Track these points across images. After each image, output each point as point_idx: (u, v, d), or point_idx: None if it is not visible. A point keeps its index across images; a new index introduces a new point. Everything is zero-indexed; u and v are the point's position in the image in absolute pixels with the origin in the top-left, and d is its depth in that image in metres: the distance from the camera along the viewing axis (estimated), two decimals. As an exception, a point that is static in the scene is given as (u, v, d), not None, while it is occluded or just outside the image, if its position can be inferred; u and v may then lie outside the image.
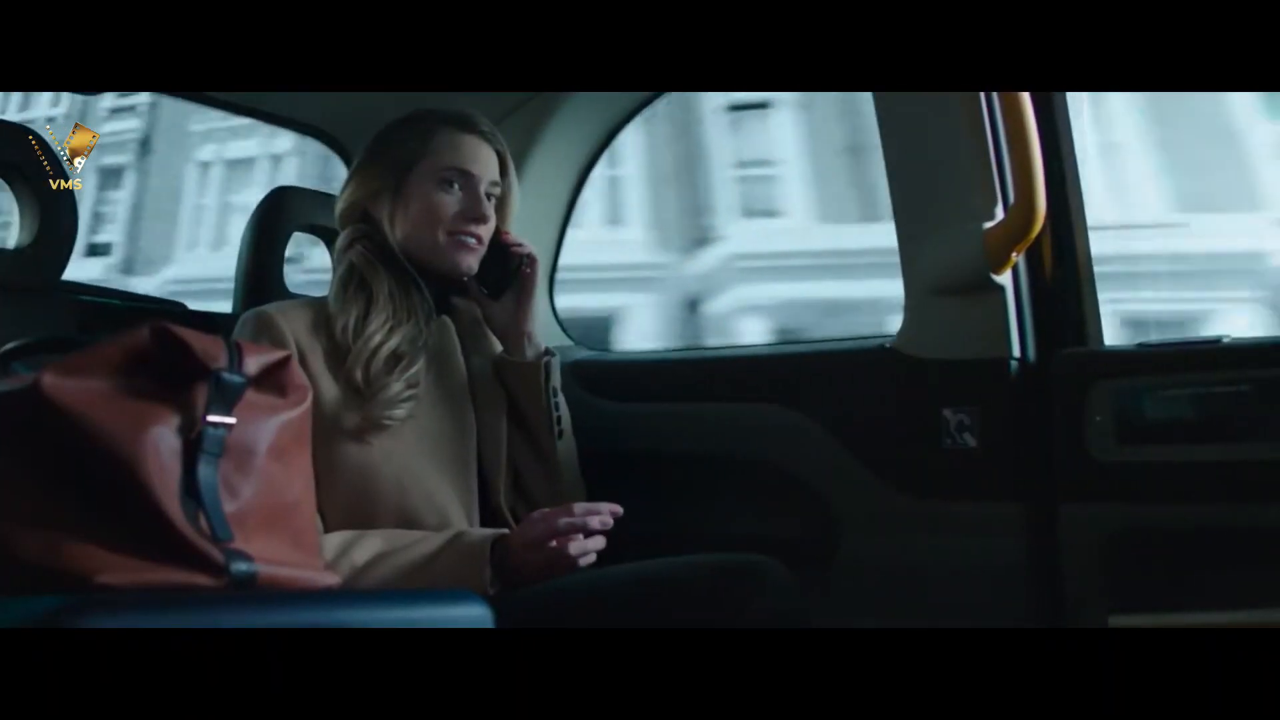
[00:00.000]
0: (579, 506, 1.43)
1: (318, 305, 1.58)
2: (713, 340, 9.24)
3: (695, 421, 1.86)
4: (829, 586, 1.66)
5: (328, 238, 1.91)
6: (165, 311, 1.87)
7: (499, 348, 1.66)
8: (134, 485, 0.99)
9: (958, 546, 1.61)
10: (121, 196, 10.94)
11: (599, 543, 1.44)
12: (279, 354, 1.13)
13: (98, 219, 10.64)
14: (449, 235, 1.58)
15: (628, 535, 1.49)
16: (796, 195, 8.43)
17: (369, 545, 1.44)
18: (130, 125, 10.73)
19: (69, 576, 0.96)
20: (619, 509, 1.44)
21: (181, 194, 10.80)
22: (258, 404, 1.09)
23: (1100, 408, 1.56)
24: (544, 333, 1.71)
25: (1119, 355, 1.61)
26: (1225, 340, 1.56)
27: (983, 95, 1.63)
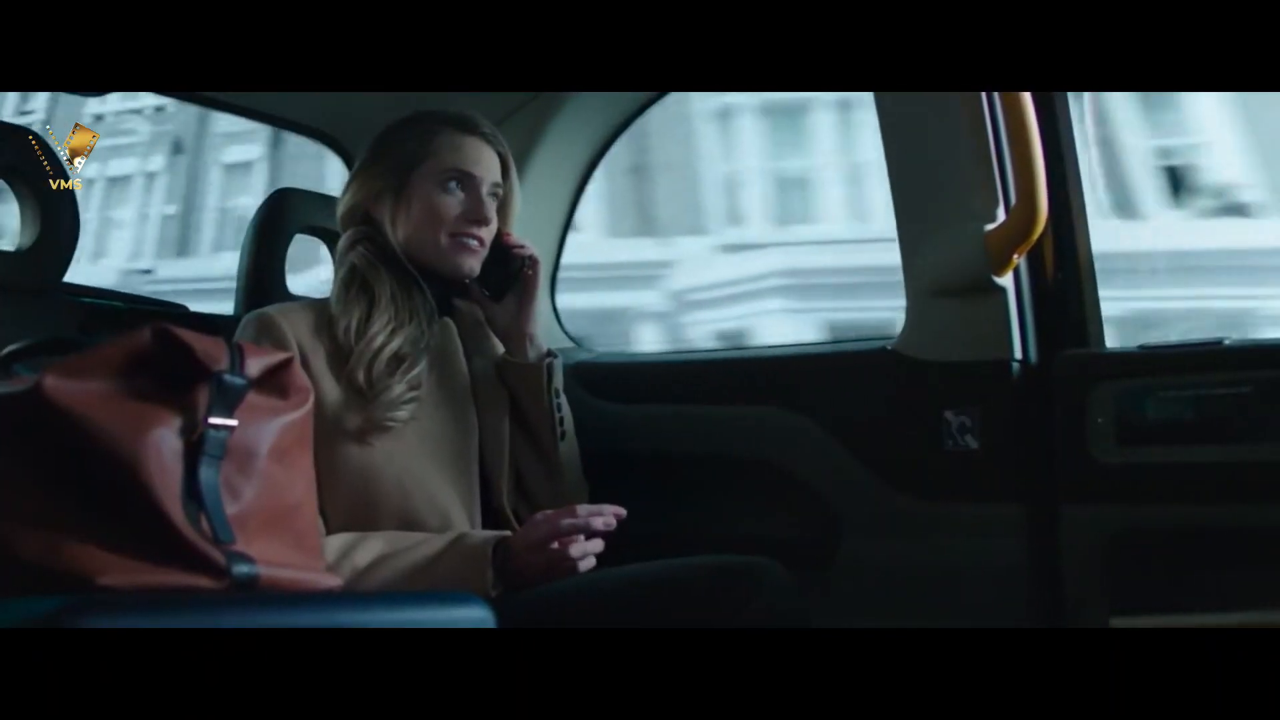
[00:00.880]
0: (582, 508, 1.43)
1: (319, 307, 1.58)
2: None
3: (696, 423, 1.86)
4: (829, 587, 1.66)
5: (329, 239, 1.91)
6: (167, 313, 1.87)
7: (501, 349, 1.66)
8: (135, 487, 0.99)
9: (959, 547, 1.61)
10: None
11: (599, 545, 1.44)
12: (281, 356, 1.13)
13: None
14: (451, 237, 1.58)
15: (628, 536, 1.49)
16: (589, 212, 8.95)
17: (371, 547, 1.44)
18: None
19: (70, 578, 0.96)
20: (622, 511, 1.44)
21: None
22: (259, 406, 1.09)
23: (1101, 409, 1.56)
24: (545, 334, 1.71)
25: (1120, 357, 1.61)
26: (1226, 342, 1.56)
27: (984, 95, 1.63)
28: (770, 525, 1.79)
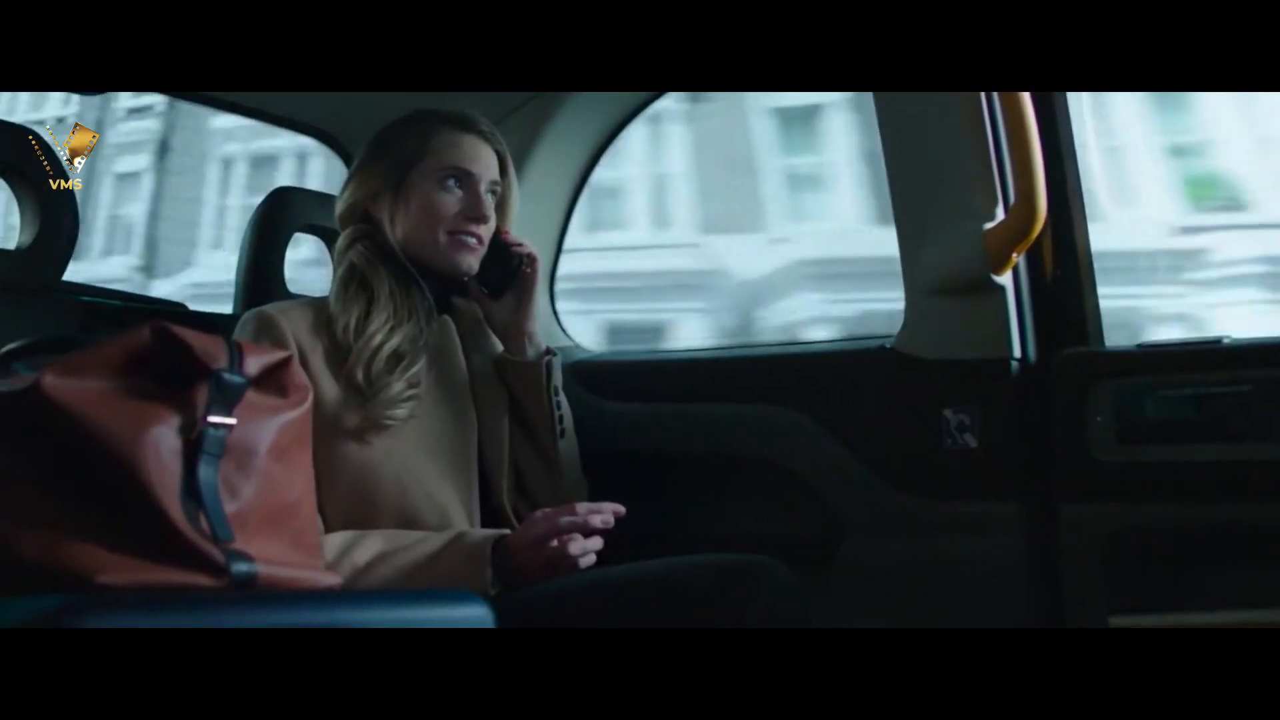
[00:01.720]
0: (581, 506, 1.43)
1: (318, 305, 1.58)
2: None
3: (696, 421, 1.86)
4: (829, 587, 1.66)
5: (328, 238, 1.91)
6: (165, 312, 1.87)
7: (500, 347, 1.66)
8: (134, 485, 0.99)
9: (958, 546, 1.61)
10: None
11: (599, 543, 1.44)
12: (280, 354, 1.13)
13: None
14: (449, 235, 1.58)
15: (628, 535, 1.49)
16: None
17: (370, 546, 1.44)
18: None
19: (69, 576, 0.96)
20: (621, 509, 1.44)
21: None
22: (258, 404, 1.09)
23: (1101, 408, 1.56)
24: (545, 333, 1.71)
25: (1120, 355, 1.61)
26: (1226, 340, 1.56)
27: (983, 95, 1.63)
28: (769, 524, 1.79)
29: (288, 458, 1.11)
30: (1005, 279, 1.63)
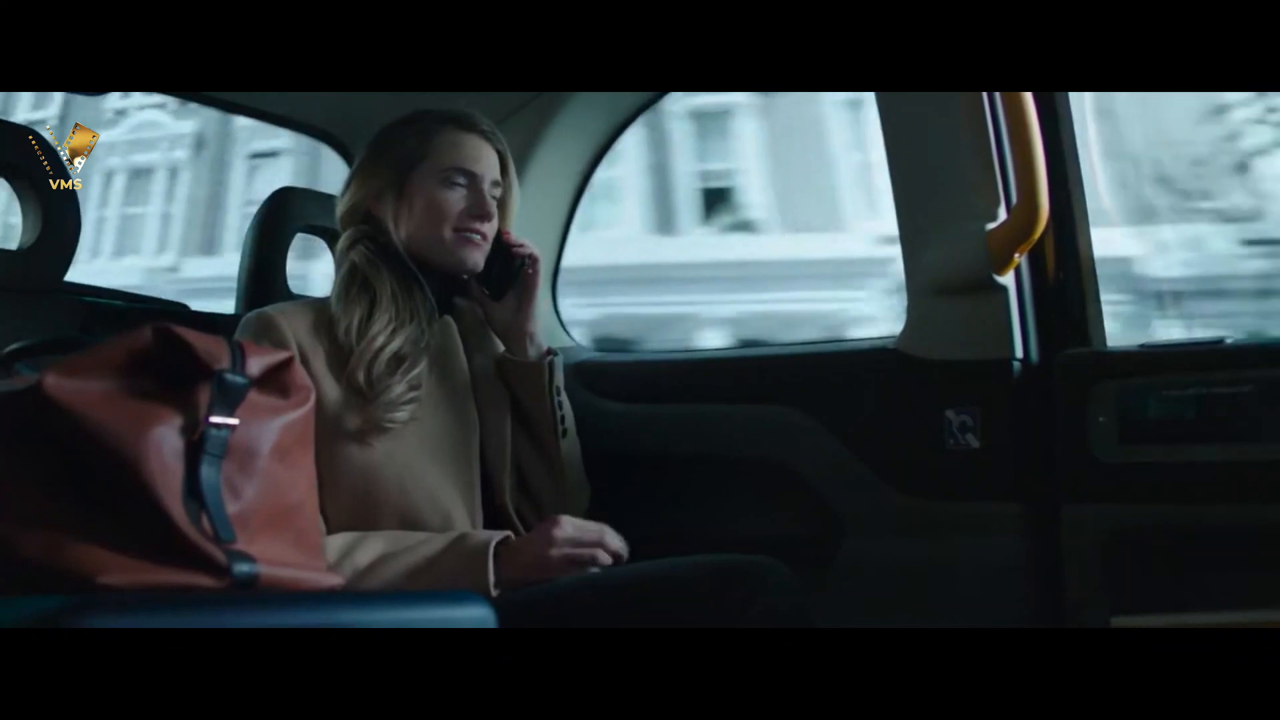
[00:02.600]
0: (592, 534, 1.45)
1: (319, 306, 1.58)
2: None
3: (698, 422, 1.86)
4: (831, 587, 1.66)
5: (330, 239, 1.91)
6: (167, 312, 1.86)
7: (501, 347, 1.66)
8: (136, 486, 0.99)
9: (960, 547, 1.61)
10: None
11: (607, 559, 1.47)
12: (282, 355, 1.13)
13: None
14: (455, 232, 1.58)
15: (630, 535, 1.49)
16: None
17: (371, 547, 1.44)
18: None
19: (71, 577, 0.96)
20: (624, 553, 1.48)
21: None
22: (260, 405, 1.09)
23: (1103, 408, 1.56)
24: (546, 332, 1.71)
25: (1121, 356, 1.61)
26: (1228, 341, 1.56)
27: (985, 95, 1.63)
28: (771, 524, 1.79)
29: (290, 458, 1.11)
30: (1007, 279, 1.63)
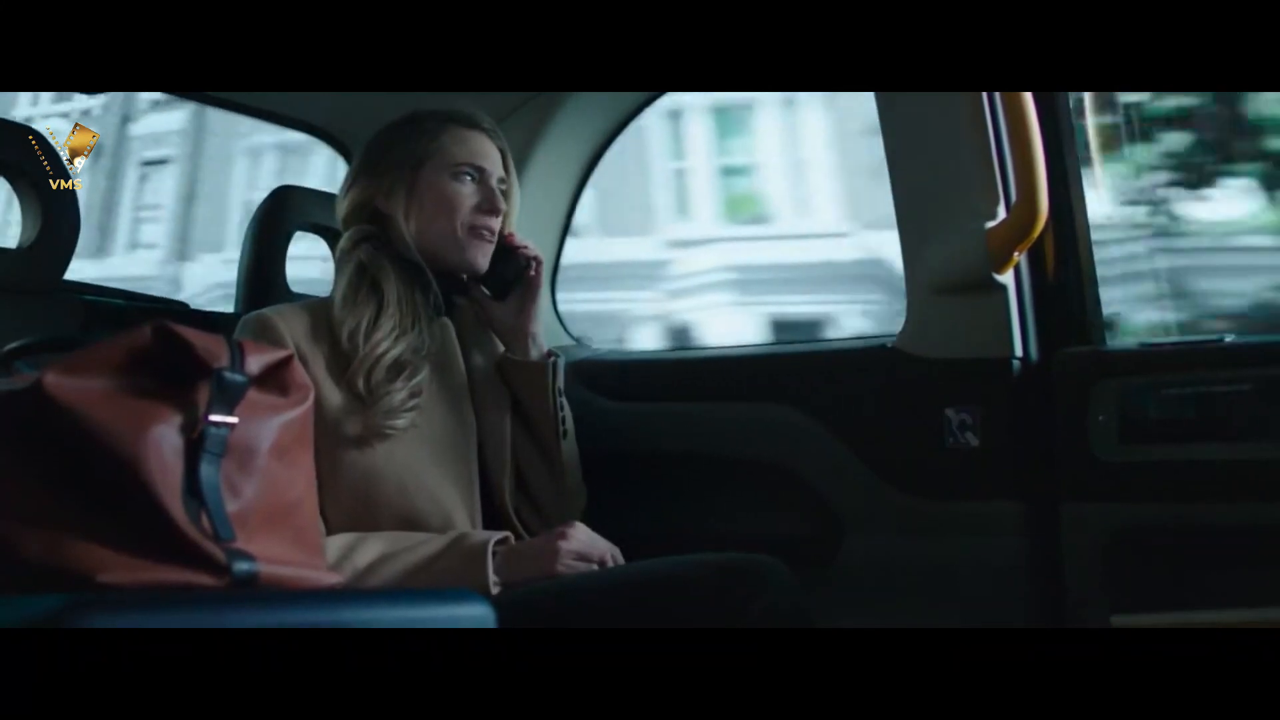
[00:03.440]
0: (599, 552, 1.47)
1: (317, 308, 1.57)
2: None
3: (697, 421, 1.86)
4: (831, 586, 1.66)
5: (330, 237, 1.91)
6: (167, 311, 1.87)
7: (499, 347, 1.66)
8: (136, 484, 0.99)
9: (959, 546, 1.61)
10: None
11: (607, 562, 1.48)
12: (281, 353, 1.13)
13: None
14: (466, 228, 1.58)
15: (630, 534, 1.49)
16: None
17: (371, 548, 1.44)
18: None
19: (71, 576, 0.96)
20: (608, 558, 1.48)
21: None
22: (260, 403, 1.09)
23: (1102, 407, 1.56)
24: (546, 332, 1.71)
25: (1121, 354, 1.61)
26: (1228, 340, 1.56)
27: (985, 95, 1.63)
28: (771, 524, 1.79)
29: (289, 457, 1.11)
30: (1007, 278, 1.63)
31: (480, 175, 1.60)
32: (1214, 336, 1.57)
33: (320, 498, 1.28)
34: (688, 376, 1.93)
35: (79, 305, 1.70)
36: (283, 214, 1.93)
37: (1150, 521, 1.52)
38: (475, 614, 1.08)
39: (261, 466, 1.07)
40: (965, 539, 1.61)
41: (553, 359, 1.62)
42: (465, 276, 1.63)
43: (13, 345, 1.19)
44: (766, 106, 8.74)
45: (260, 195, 1.98)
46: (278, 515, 1.08)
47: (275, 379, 1.11)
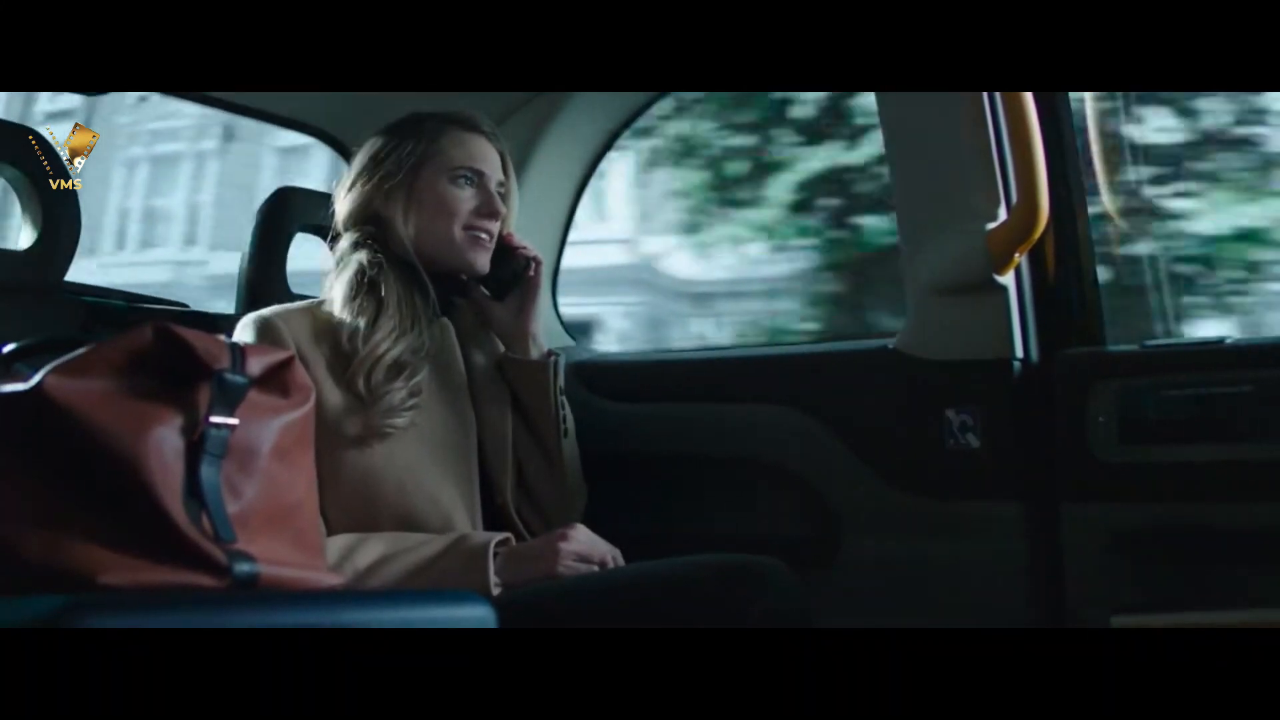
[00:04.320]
0: (600, 554, 1.47)
1: (316, 309, 1.57)
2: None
3: (698, 422, 1.86)
4: (831, 587, 1.66)
5: (332, 239, 1.90)
6: (167, 312, 1.86)
7: (500, 348, 1.66)
8: (137, 486, 0.99)
9: (960, 547, 1.61)
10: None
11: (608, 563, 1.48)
12: (282, 354, 1.13)
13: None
14: (465, 231, 1.58)
15: (630, 535, 1.49)
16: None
17: (372, 549, 1.44)
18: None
19: (71, 577, 0.96)
20: (609, 561, 1.49)
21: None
22: (260, 405, 1.09)
23: (1102, 408, 1.56)
24: (546, 333, 1.71)
25: (1121, 356, 1.61)
26: (1228, 341, 1.56)
27: (985, 95, 1.63)
28: (771, 524, 1.79)
29: (290, 458, 1.11)
30: (1007, 279, 1.63)
31: (479, 179, 1.60)
32: (1214, 338, 1.57)
33: (320, 498, 1.28)
34: (688, 377, 1.93)
35: (79, 306, 1.70)
36: (284, 215, 1.93)
37: (1150, 522, 1.52)
38: (476, 615, 1.08)
39: (262, 468, 1.07)
40: (965, 540, 1.61)
41: (553, 358, 1.62)
42: (464, 277, 1.63)
43: (13, 346, 1.18)
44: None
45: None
46: (278, 516, 1.08)
47: (276, 380, 1.11)
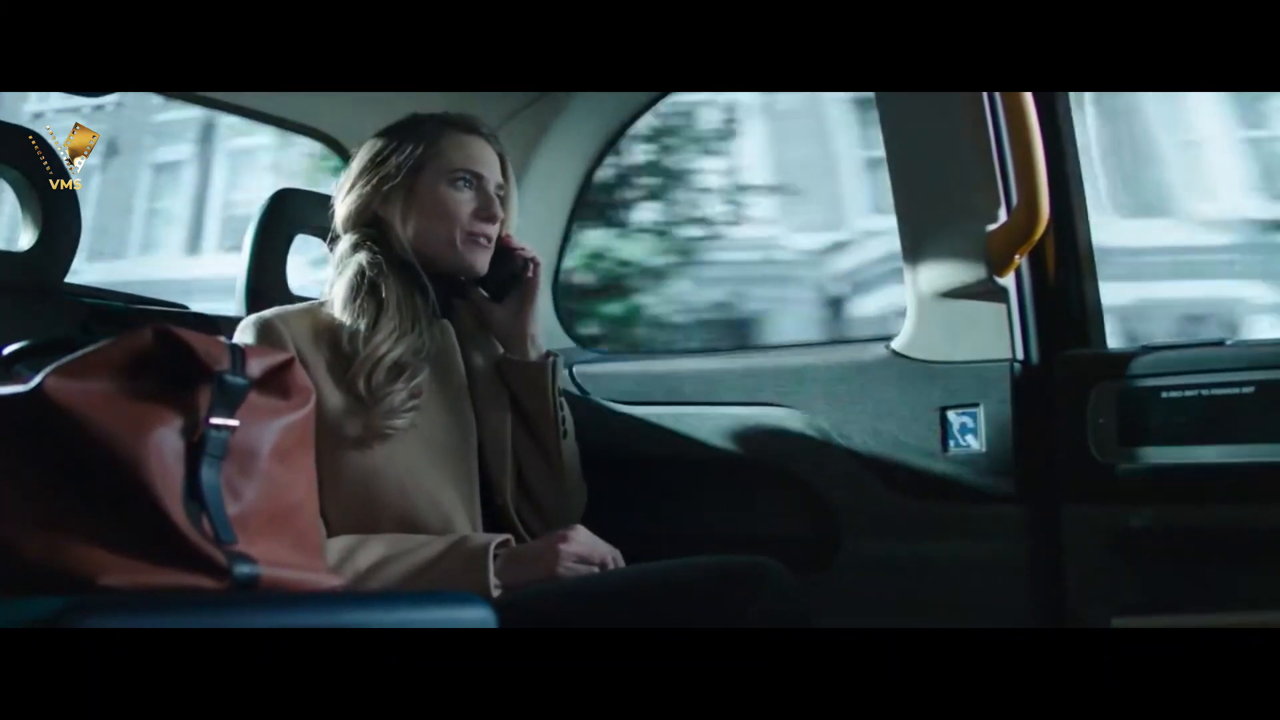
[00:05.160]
0: (600, 555, 1.47)
1: (316, 310, 1.57)
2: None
3: (697, 423, 1.86)
4: (830, 588, 1.66)
5: (332, 240, 1.90)
6: (168, 313, 1.86)
7: (499, 349, 1.66)
8: (137, 487, 0.99)
9: (960, 548, 1.61)
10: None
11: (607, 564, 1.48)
12: (282, 356, 1.13)
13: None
14: (464, 234, 1.58)
15: (629, 536, 1.49)
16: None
17: (372, 550, 1.44)
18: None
19: (72, 578, 0.96)
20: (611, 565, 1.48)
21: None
22: (260, 406, 1.09)
23: (1103, 409, 1.56)
24: (546, 334, 1.71)
25: (1121, 357, 1.60)
26: (1228, 342, 1.56)
27: (985, 96, 1.63)
28: (771, 526, 1.79)
29: (290, 459, 1.11)
30: (1008, 280, 1.63)
31: (478, 181, 1.60)
32: (1214, 339, 1.57)
33: (321, 499, 1.28)
34: (688, 379, 1.93)
35: (79, 307, 1.70)
36: (284, 216, 1.93)
37: (1150, 523, 1.52)
38: (476, 616, 1.08)
39: (262, 469, 1.07)
40: (965, 541, 1.61)
41: (551, 359, 1.62)
42: (464, 279, 1.63)
43: (13, 347, 1.18)
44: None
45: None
46: (279, 518, 1.08)
47: (276, 382, 1.11)
